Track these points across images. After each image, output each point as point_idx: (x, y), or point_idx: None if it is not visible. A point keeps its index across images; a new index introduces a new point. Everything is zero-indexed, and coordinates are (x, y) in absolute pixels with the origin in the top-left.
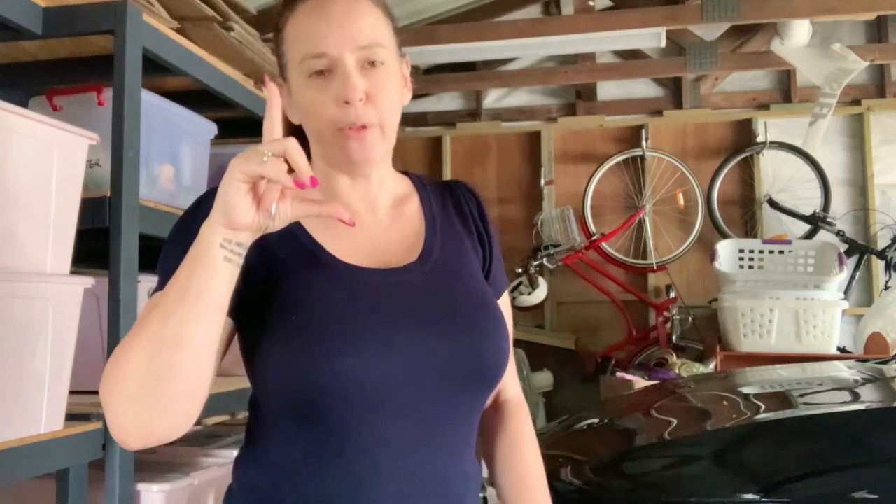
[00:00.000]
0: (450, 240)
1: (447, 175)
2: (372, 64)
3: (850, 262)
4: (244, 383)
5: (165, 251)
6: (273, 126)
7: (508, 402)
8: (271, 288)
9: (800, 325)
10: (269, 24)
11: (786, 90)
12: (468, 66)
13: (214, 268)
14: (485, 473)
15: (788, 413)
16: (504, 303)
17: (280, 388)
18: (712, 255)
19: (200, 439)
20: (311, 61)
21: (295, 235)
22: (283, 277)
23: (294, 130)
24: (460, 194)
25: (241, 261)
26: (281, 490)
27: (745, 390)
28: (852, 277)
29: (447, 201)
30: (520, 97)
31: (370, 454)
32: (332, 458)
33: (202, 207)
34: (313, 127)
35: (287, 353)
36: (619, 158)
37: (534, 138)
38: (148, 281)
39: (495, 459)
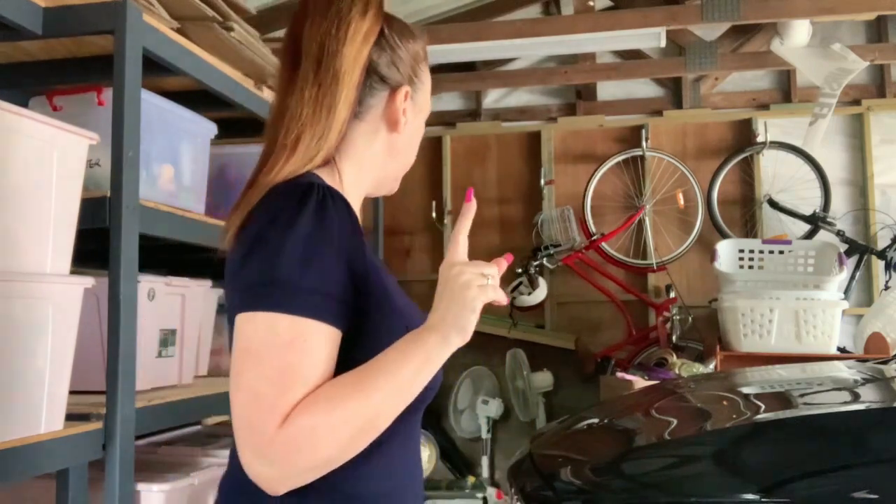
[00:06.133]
0: None
1: (447, 175)
2: None
3: (850, 262)
4: None
5: (305, 266)
6: (460, 236)
7: None
8: (384, 298)
9: (800, 325)
10: (269, 24)
11: (786, 90)
12: (468, 66)
13: (435, 370)
14: (486, 474)
15: (788, 413)
16: None
17: None
18: (712, 255)
19: (200, 439)
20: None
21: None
22: (385, 289)
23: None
24: None
25: None
26: None
27: (745, 390)
28: (852, 277)
29: None
30: (520, 97)
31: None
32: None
33: (334, 220)
34: (406, 158)
35: None
36: (619, 158)
37: (534, 138)
38: (148, 281)
39: None
